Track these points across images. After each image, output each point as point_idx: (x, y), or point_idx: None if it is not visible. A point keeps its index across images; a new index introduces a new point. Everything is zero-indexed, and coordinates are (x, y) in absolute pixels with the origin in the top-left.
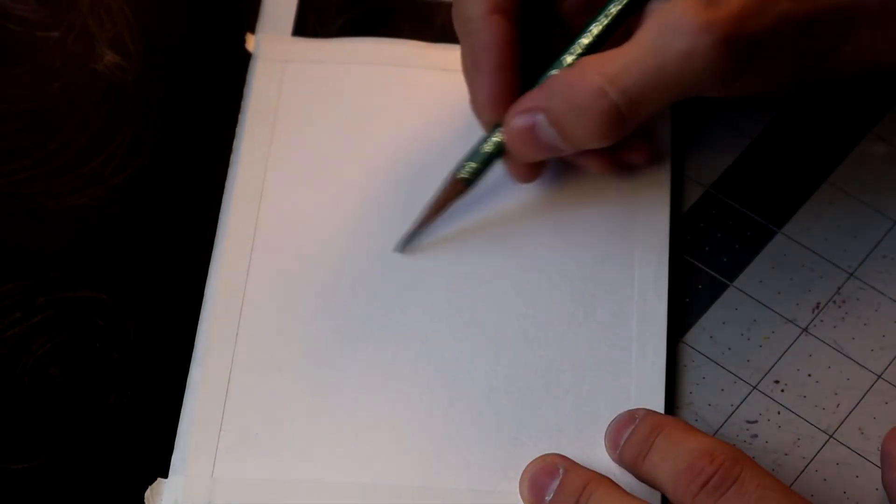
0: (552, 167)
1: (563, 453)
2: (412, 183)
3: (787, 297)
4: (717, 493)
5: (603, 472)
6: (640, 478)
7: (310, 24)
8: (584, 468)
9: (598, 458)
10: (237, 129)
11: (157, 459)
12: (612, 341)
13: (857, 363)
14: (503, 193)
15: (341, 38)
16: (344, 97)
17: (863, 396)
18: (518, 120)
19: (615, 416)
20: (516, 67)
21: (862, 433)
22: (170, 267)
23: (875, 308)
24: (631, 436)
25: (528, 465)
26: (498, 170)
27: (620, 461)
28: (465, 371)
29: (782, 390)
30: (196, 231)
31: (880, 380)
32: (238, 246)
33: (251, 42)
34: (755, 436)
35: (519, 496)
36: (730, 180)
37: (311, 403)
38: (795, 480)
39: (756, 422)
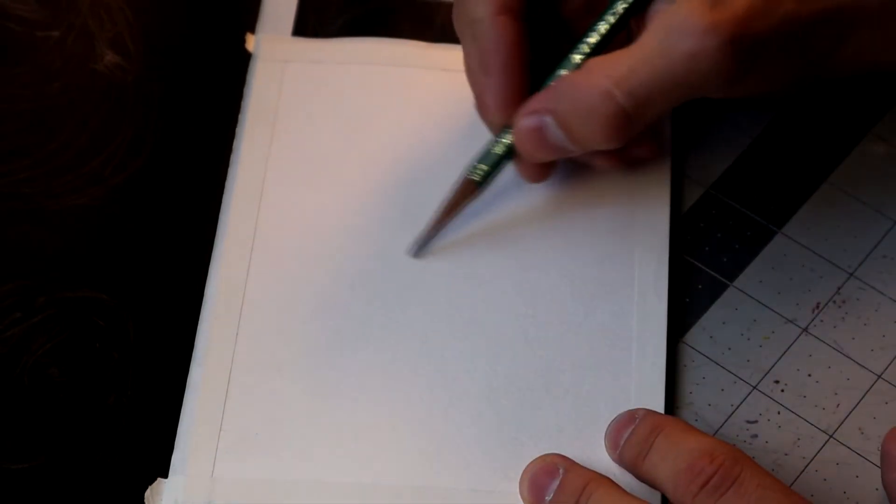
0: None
1: (563, 453)
2: (412, 183)
3: (787, 297)
4: (717, 493)
5: (603, 472)
6: (640, 478)
7: (310, 24)
8: (584, 468)
9: (598, 458)
10: (237, 129)
11: (157, 459)
12: (612, 341)
13: (857, 363)
14: (503, 194)
15: (341, 38)
16: (344, 97)
17: (863, 396)
18: (526, 121)
19: (615, 416)
20: (525, 68)
21: (862, 433)
22: (170, 267)
23: (875, 308)
24: (631, 436)
25: (528, 465)
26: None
27: (620, 461)
28: (465, 371)
29: (782, 390)
30: (196, 231)
31: (880, 380)
32: (238, 246)
33: (251, 42)
34: (755, 436)
35: (519, 496)
36: (730, 180)
37: (311, 403)
38: (795, 480)
39: (756, 422)
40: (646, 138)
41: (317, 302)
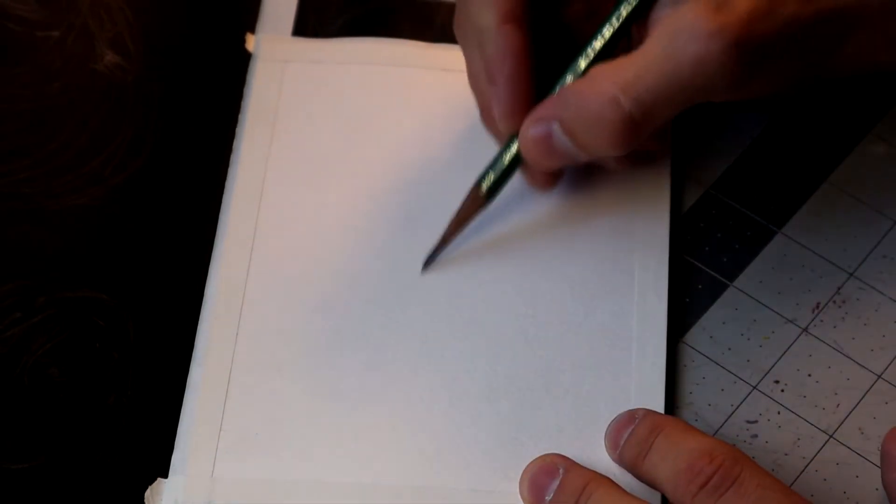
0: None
1: (563, 453)
2: (412, 182)
3: (787, 297)
4: (717, 493)
5: (603, 472)
6: (640, 478)
7: (310, 24)
8: (584, 468)
9: (598, 458)
10: (237, 129)
11: (157, 459)
12: (612, 341)
13: (857, 363)
14: (504, 195)
15: (341, 38)
16: (344, 97)
17: (863, 396)
18: (533, 130)
19: (615, 416)
20: (531, 77)
21: (862, 433)
22: (170, 267)
23: (875, 308)
24: (631, 436)
25: (528, 465)
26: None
27: (620, 461)
28: (465, 371)
29: (782, 390)
30: (196, 231)
31: (880, 380)
32: (238, 246)
33: (251, 42)
34: (755, 436)
35: (519, 496)
36: (730, 180)
37: (311, 403)
38: (795, 480)
39: (756, 422)
40: (653, 135)
41: (317, 302)
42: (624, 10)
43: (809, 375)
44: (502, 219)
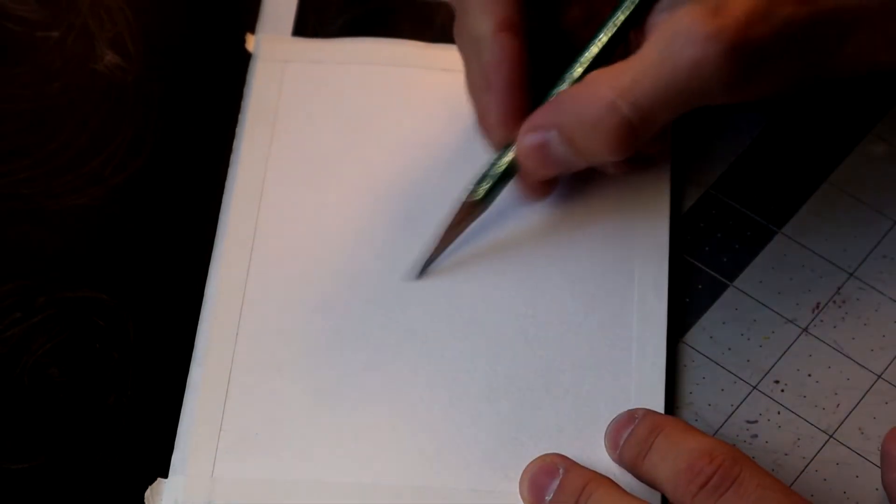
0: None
1: (563, 453)
2: (412, 183)
3: (787, 297)
4: (717, 493)
5: (603, 472)
6: (640, 478)
7: (310, 24)
8: (584, 468)
9: (598, 458)
10: (237, 129)
11: (157, 459)
12: (612, 341)
13: (857, 363)
14: (505, 194)
15: (341, 38)
16: (344, 97)
17: (863, 396)
18: (530, 138)
19: (615, 416)
20: (527, 85)
21: (862, 433)
22: (170, 267)
23: (875, 308)
24: (630, 436)
25: (528, 465)
26: None
27: (620, 461)
28: (465, 371)
29: (782, 390)
30: (196, 231)
31: (880, 380)
32: (238, 246)
33: (251, 42)
34: (755, 436)
35: (519, 496)
36: (730, 180)
37: (311, 403)
38: (795, 480)
39: (756, 422)
40: (652, 139)
41: (317, 302)
42: (621, 16)
43: (809, 375)
44: (503, 219)
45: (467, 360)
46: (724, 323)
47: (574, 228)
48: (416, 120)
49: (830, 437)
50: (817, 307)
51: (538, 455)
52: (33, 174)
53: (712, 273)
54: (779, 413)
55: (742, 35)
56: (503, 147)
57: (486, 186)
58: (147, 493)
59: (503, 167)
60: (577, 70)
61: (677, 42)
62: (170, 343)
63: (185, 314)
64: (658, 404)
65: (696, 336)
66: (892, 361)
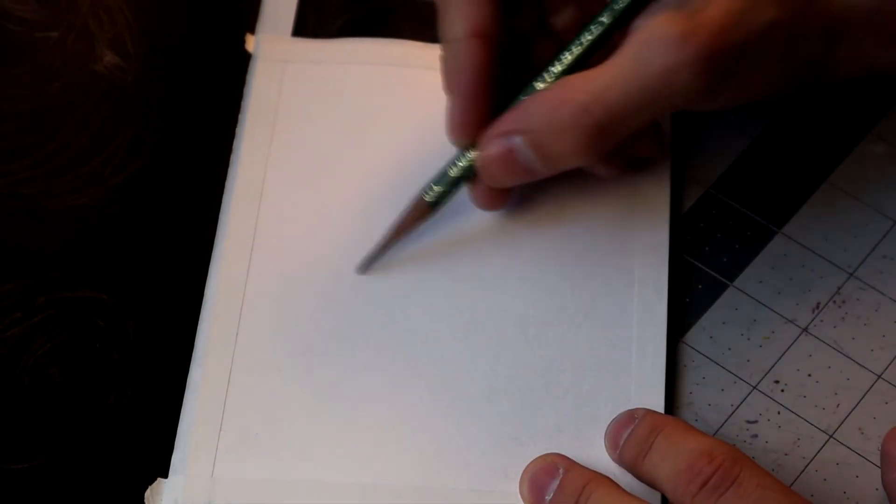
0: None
1: (563, 453)
2: (412, 183)
3: (787, 297)
4: (717, 493)
5: (603, 472)
6: (640, 478)
7: (310, 24)
8: (584, 468)
9: (598, 458)
10: (237, 129)
11: (157, 459)
12: (612, 341)
13: (857, 363)
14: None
15: (341, 38)
16: (344, 97)
17: (863, 396)
18: (494, 144)
19: (615, 416)
20: (489, 93)
21: (862, 433)
22: (170, 267)
23: (875, 308)
24: (630, 436)
25: (528, 465)
26: None
27: (620, 461)
28: (465, 371)
29: (782, 390)
30: (196, 231)
31: (880, 380)
32: (238, 246)
33: (251, 42)
34: (755, 436)
35: (519, 496)
36: (730, 180)
37: (311, 403)
38: (795, 480)
39: (756, 422)
40: (646, 134)
41: (317, 302)
42: (586, 37)
43: (809, 375)
44: (503, 219)
45: (467, 360)
46: (724, 323)
47: (574, 229)
48: (416, 120)
49: (830, 437)
50: (817, 307)
51: (538, 455)
52: (33, 174)
53: (712, 273)
54: (779, 413)
55: (715, 41)
56: (458, 152)
57: (438, 189)
58: (147, 493)
59: (457, 172)
60: (539, 85)
61: (650, 48)
62: (170, 343)
63: (185, 314)
64: (658, 404)
65: (696, 336)
66: (892, 361)
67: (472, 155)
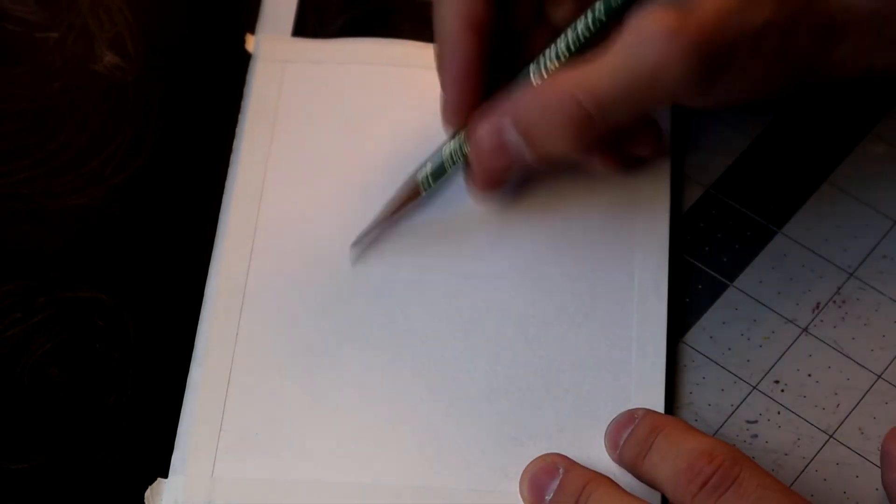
0: (554, 166)
1: (563, 453)
2: None
3: (787, 297)
4: (717, 493)
5: (603, 472)
6: (640, 478)
7: (310, 24)
8: (584, 468)
9: (598, 458)
10: (237, 129)
11: (157, 459)
12: (612, 341)
13: (857, 363)
14: (504, 193)
15: (341, 38)
16: (344, 97)
17: (863, 396)
18: (484, 126)
19: (615, 416)
20: (481, 78)
21: (862, 433)
22: (170, 267)
23: (875, 308)
24: (630, 436)
25: (528, 465)
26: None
27: (620, 461)
28: (465, 371)
29: (782, 390)
30: (196, 231)
31: (880, 380)
32: (238, 246)
33: (251, 42)
34: (755, 436)
35: (519, 496)
36: (730, 180)
37: (311, 403)
38: (795, 480)
39: (756, 422)
40: (645, 135)
41: (317, 302)
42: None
43: (809, 375)
44: (503, 219)
45: (467, 360)
46: (724, 323)
47: (574, 228)
48: (416, 120)
49: (830, 437)
50: (817, 307)
51: (538, 455)
52: (33, 174)
53: (712, 273)
54: (779, 413)
55: (707, 37)
56: (451, 135)
57: (430, 170)
58: (147, 493)
59: (448, 154)
60: (542, 62)
61: (642, 40)
62: (170, 343)
63: (185, 314)
64: (658, 404)
65: (696, 336)
66: (892, 361)
67: (463, 136)
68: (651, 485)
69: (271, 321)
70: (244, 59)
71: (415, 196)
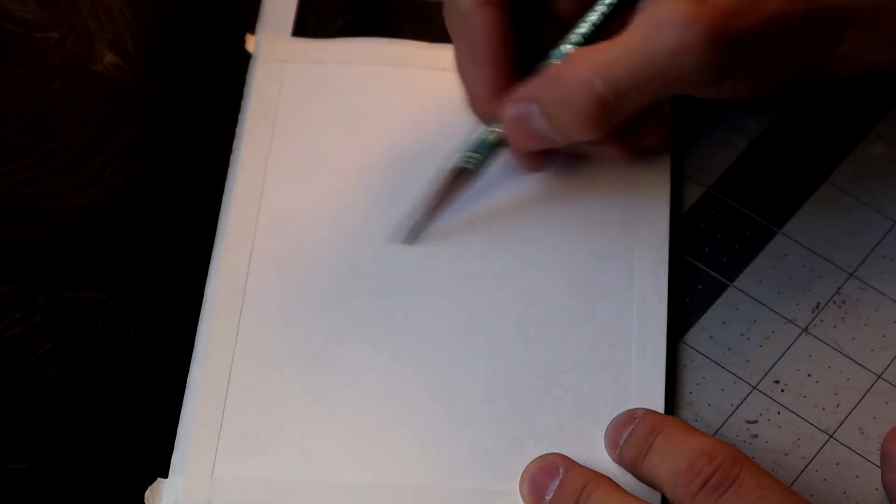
0: (555, 165)
1: (563, 453)
2: (412, 183)
3: (787, 297)
4: (717, 493)
5: (603, 472)
6: (640, 478)
7: (310, 24)
8: (584, 468)
9: (598, 458)
10: (237, 129)
11: (157, 459)
12: (612, 341)
13: (857, 363)
14: (504, 193)
15: (341, 38)
16: (344, 97)
17: (863, 396)
18: (511, 109)
19: (615, 416)
20: (512, 58)
21: (862, 433)
22: (170, 267)
23: (875, 308)
24: (630, 436)
25: (528, 465)
26: (498, 169)
27: (620, 461)
28: (465, 371)
29: (782, 390)
30: (196, 231)
31: (880, 380)
32: (238, 246)
33: (251, 42)
34: (755, 436)
35: (519, 496)
36: (730, 180)
37: (311, 403)
38: (795, 480)
39: (756, 422)
40: (653, 126)
41: (317, 302)
42: (593, 13)
43: (809, 375)
44: (503, 219)
45: (467, 360)
46: (724, 323)
47: (574, 228)
48: (416, 120)
49: (830, 437)
50: (817, 307)
51: (538, 455)
52: (33, 174)
53: (712, 273)
54: (779, 413)
55: (724, 24)
56: (492, 121)
57: (476, 156)
58: (147, 493)
59: (493, 137)
60: (566, 47)
61: (659, 26)
62: (170, 343)
63: (185, 314)
64: (658, 404)
65: (696, 336)
66: (892, 361)
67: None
68: (651, 485)
69: (271, 321)
70: (244, 59)
71: (462, 183)
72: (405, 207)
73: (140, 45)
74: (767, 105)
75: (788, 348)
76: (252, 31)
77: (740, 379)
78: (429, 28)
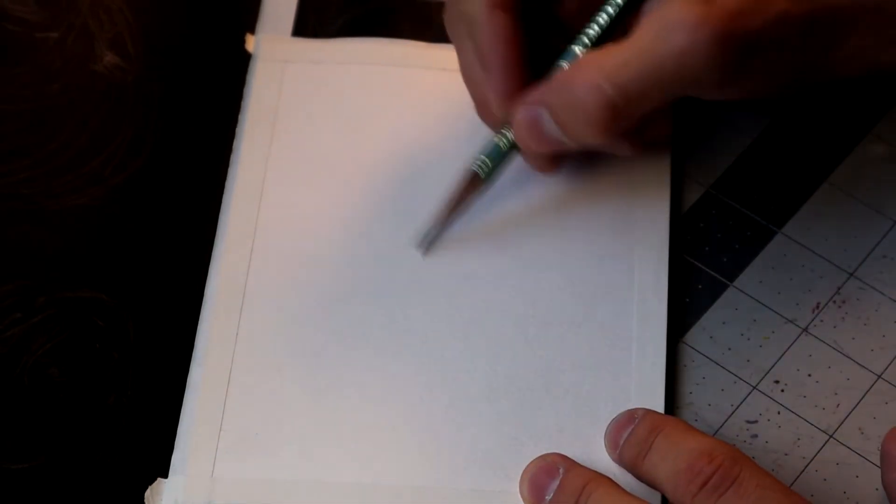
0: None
1: (563, 453)
2: (412, 183)
3: (787, 297)
4: (717, 493)
5: (603, 472)
6: (640, 478)
7: (310, 24)
8: (584, 468)
9: (598, 458)
10: (237, 129)
11: (157, 459)
12: (612, 341)
13: (857, 363)
14: (504, 193)
15: (341, 38)
16: (344, 97)
17: (863, 396)
18: (522, 113)
19: (615, 416)
20: (523, 62)
21: (862, 433)
22: (170, 267)
23: (875, 308)
24: (630, 436)
25: (528, 465)
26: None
27: (620, 461)
28: (465, 371)
29: (782, 390)
30: (196, 231)
31: (880, 380)
32: (238, 246)
33: (251, 42)
34: (755, 436)
35: (519, 496)
36: (730, 180)
37: (311, 403)
38: (795, 480)
39: (756, 422)
40: (658, 120)
41: (317, 302)
42: (601, 15)
43: (809, 375)
44: (503, 219)
45: (467, 360)
46: (724, 323)
47: (574, 228)
48: (416, 120)
49: (830, 437)
50: (817, 307)
51: (538, 455)
52: (33, 174)
53: (712, 273)
54: (779, 413)
55: (732, 25)
56: (503, 126)
57: (489, 161)
58: (147, 493)
59: (506, 143)
60: (576, 49)
61: (667, 28)
62: (170, 343)
63: (185, 314)
64: (658, 404)
65: (696, 336)
66: (892, 361)
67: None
68: (651, 485)
69: (271, 321)
70: (244, 59)
71: (475, 189)
72: (405, 207)
73: (140, 45)
74: (768, 103)
75: (788, 348)
76: (252, 31)
77: (740, 379)
78: (429, 28)
